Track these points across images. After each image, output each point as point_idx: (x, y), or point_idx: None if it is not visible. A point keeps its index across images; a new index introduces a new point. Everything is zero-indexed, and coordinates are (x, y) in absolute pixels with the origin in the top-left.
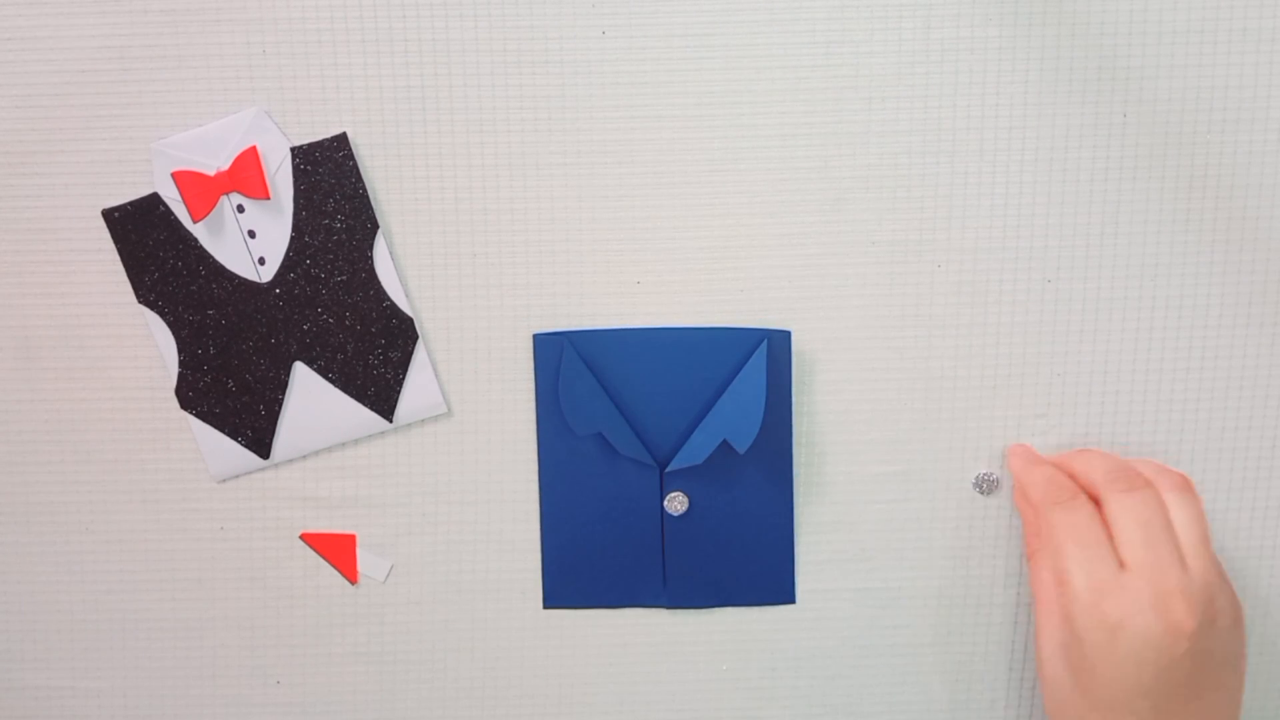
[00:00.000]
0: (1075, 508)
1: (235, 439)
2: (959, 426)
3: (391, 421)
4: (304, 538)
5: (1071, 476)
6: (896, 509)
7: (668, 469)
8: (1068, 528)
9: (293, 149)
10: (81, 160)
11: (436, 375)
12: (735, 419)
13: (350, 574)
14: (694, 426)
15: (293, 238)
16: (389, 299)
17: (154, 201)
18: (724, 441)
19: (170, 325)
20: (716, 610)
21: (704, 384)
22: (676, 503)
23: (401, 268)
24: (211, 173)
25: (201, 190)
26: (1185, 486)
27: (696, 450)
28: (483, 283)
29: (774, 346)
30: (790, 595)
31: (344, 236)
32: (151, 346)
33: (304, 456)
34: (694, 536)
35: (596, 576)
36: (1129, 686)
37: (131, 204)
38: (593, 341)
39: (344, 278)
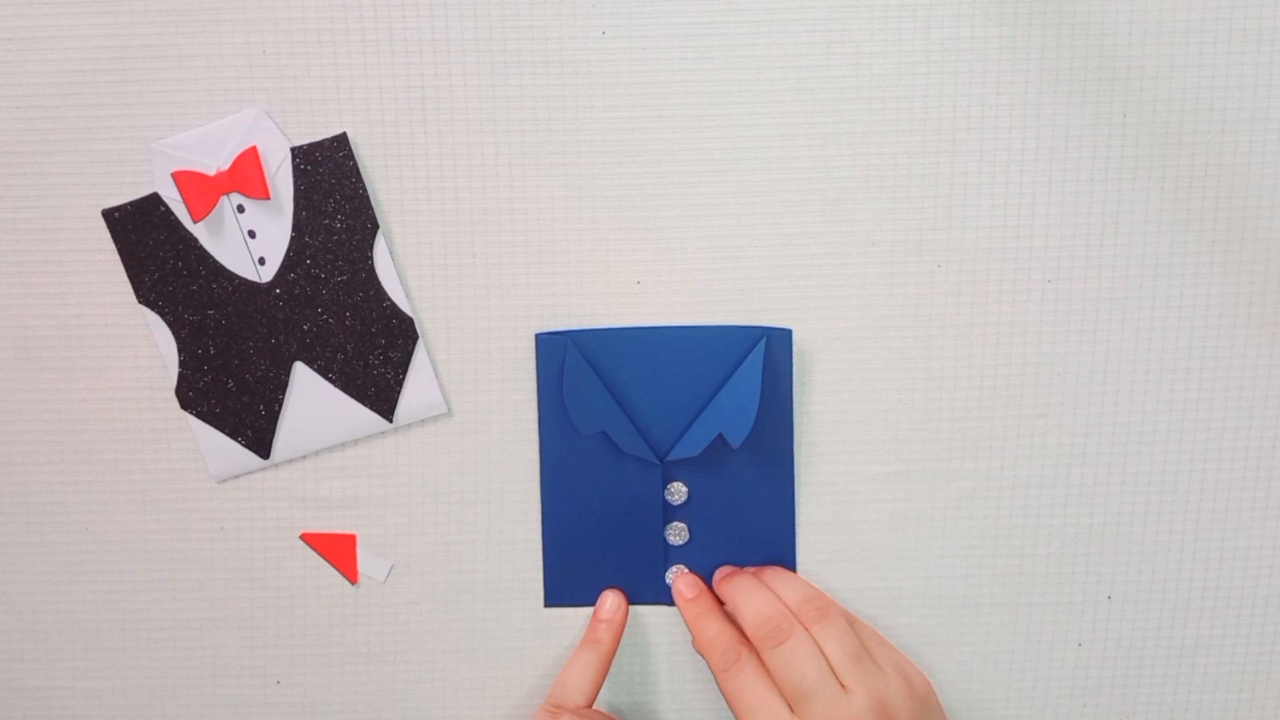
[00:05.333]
0: (738, 672)
1: (235, 439)
2: (959, 426)
3: (391, 421)
4: (304, 538)
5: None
6: (896, 509)
7: (666, 458)
8: (737, 694)
9: (293, 149)
10: (81, 160)
11: (436, 375)
12: (731, 414)
13: (350, 574)
14: (693, 422)
15: (293, 238)
16: (389, 299)
17: (154, 201)
18: (720, 436)
19: (170, 325)
20: None
21: (704, 381)
22: (675, 493)
23: (401, 268)
24: (211, 173)
25: (201, 190)
26: (823, 615)
27: (693, 443)
28: (483, 283)
29: (774, 344)
30: None
31: (344, 236)
32: (151, 346)
33: (304, 456)
34: (694, 535)
35: (598, 575)
36: None
37: (131, 204)
38: (595, 340)
39: (344, 278)
